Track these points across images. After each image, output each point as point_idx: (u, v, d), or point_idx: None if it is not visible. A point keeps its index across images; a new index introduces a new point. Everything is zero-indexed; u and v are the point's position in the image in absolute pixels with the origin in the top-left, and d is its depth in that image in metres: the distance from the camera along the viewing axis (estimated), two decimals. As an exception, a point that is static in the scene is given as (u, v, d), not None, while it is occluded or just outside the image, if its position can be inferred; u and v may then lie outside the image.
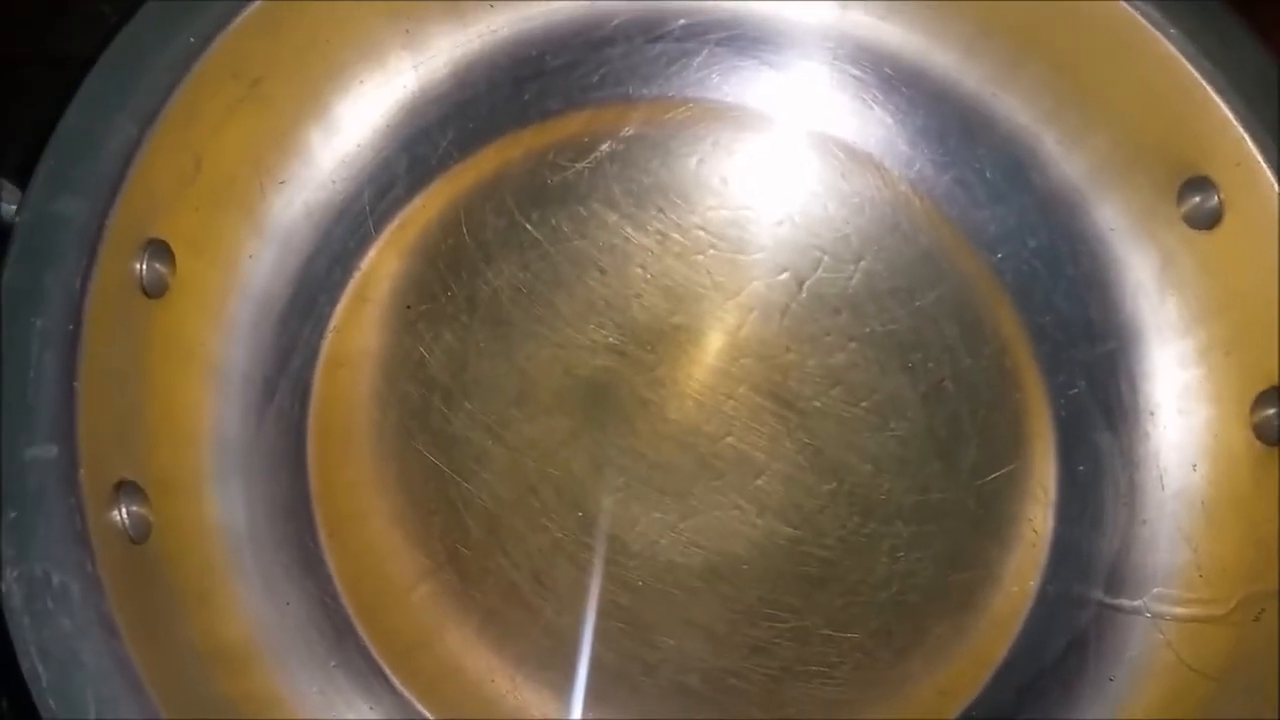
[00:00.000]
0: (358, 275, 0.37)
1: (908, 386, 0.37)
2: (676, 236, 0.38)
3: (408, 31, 0.36)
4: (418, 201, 0.37)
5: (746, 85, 0.39)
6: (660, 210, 0.38)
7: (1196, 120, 0.33)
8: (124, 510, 0.27)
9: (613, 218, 0.38)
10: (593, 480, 0.36)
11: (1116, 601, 0.34)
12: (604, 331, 0.37)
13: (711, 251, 0.38)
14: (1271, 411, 0.32)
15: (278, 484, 0.33)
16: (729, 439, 0.36)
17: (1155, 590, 0.33)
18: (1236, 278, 0.34)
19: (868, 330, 0.38)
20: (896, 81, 0.38)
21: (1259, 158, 0.32)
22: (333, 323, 0.36)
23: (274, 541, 0.33)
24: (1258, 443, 0.33)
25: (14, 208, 0.28)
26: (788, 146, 0.39)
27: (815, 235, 0.38)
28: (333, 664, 0.32)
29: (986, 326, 0.38)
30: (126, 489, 0.28)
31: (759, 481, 0.36)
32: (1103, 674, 0.33)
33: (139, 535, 0.28)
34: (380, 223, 0.37)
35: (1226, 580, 0.32)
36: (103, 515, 0.26)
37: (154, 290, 0.31)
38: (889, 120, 0.39)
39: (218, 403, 0.33)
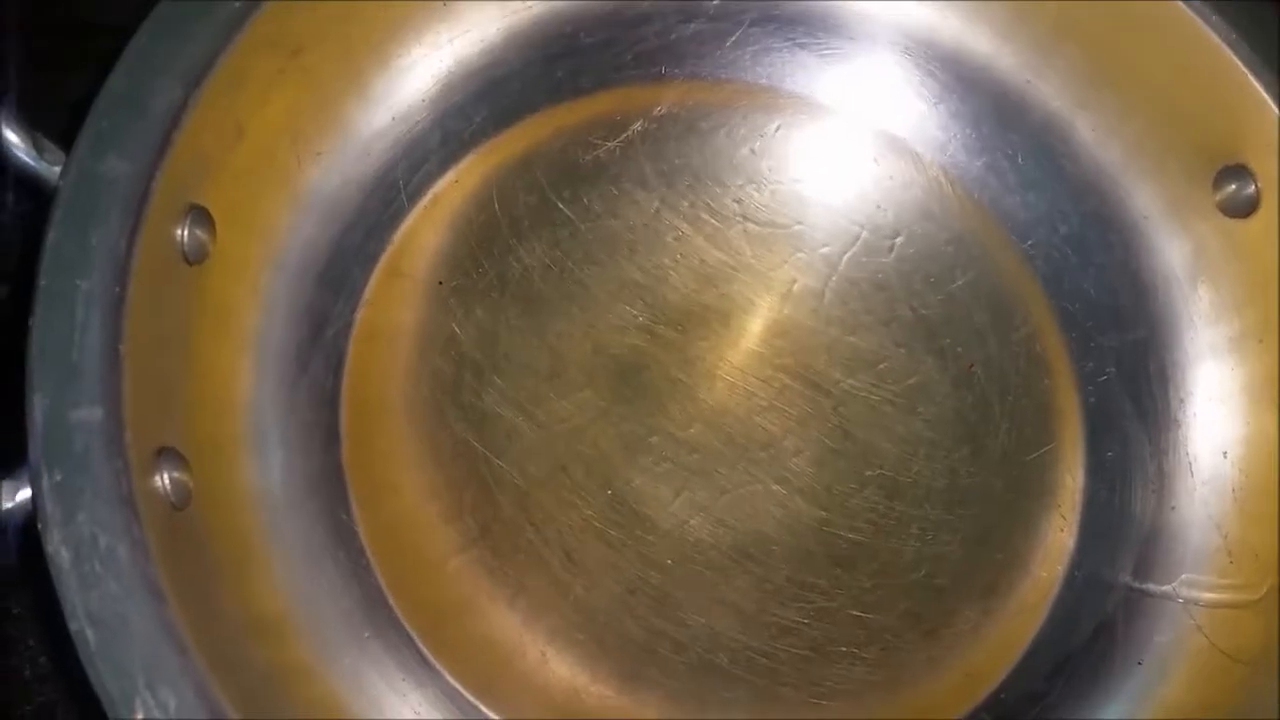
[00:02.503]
0: (391, 249, 0.36)
1: (937, 371, 0.37)
2: (707, 217, 0.38)
3: (445, 5, 0.36)
4: (450, 176, 0.37)
5: (779, 66, 0.39)
6: (691, 190, 0.38)
7: (1234, 107, 0.33)
8: (166, 476, 0.27)
9: (644, 197, 0.38)
10: (622, 459, 0.36)
11: (1145, 586, 0.34)
12: (634, 311, 0.37)
13: (742, 232, 0.38)
14: (1304, 399, 0.33)
15: (311, 455, 0.33)
16: (758, 420, 0.37)
17: (1185, 576, 0.34)
18: (1271, 265, 0.34)
19: (898, 314, 0.38)
20: (931, 65, 0.38)
21: (1297, 145, 0.32)
22: (366, 296, 0.36)
23: (308, 512, 0.33)
24: (1290, 430, 0.33)
25: (58, 169, 0.27)
26: (820, 129, 0.39)
27: (847, 218, 0.38)
28: (366, 634, 0.32)
29: (1016, 312, 0.38)
30: (167, 455, 0.28)
31: (788, 462, 0.36)
32: (1131, 658, 0.33)
33: (180, 501, 0.28)
34: (413, 197, 0.37)
35: (1258, 567, 0.32)
36: (146, 480, 0.26)
37: (194, 257, 0.30)
38: (922, 104, 0.39)
39: (253, 372, 0.33)
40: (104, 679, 0.23)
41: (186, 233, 0.30)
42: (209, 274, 0.31)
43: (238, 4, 0.30)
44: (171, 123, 0.28)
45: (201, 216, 0.31)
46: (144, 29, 0.29)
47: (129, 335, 0.27)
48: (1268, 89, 0.32)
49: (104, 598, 0.23)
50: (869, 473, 0.36)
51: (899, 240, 0.38)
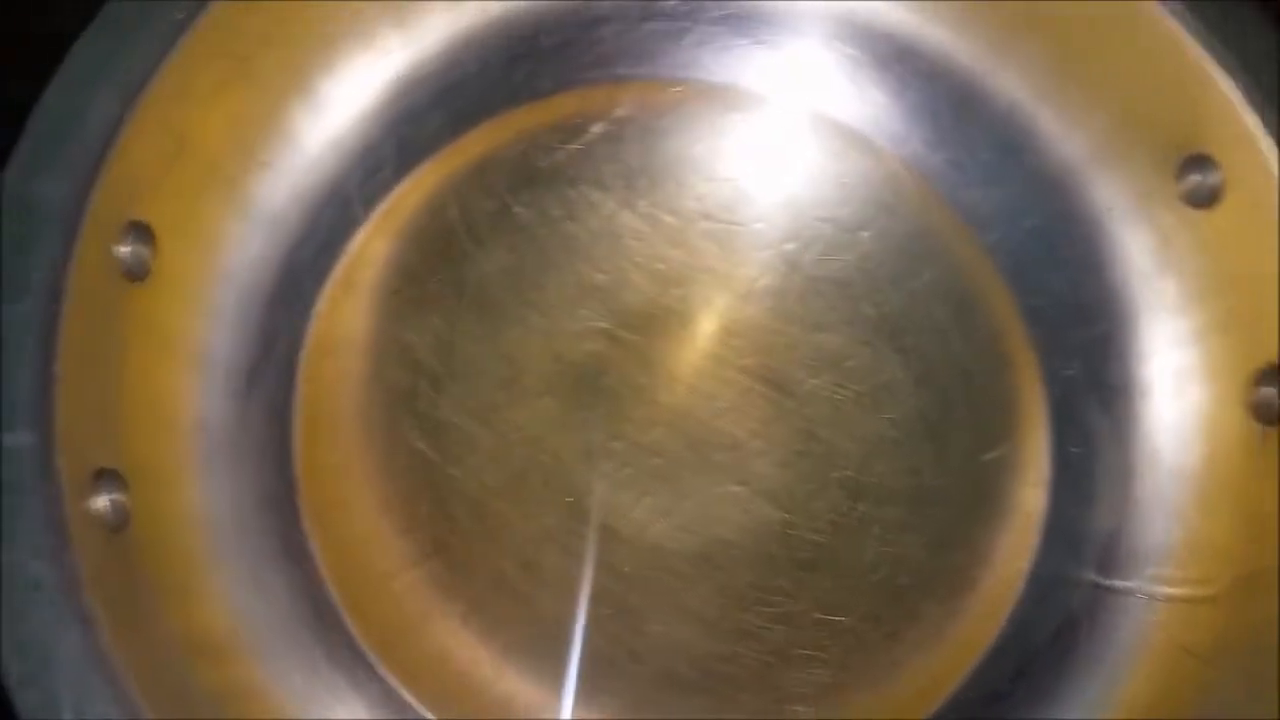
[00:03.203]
0: (344, 259, 0.36)
1: (901, 369, 0.37)
2: (667, 219, 0.38)
3: (399, 11, 0.36)
4: (406, 184, 0.37)
5: (738, 65, 0.39)
6: (651, 192, 0.38)
7: (1198, 96, 0.33)
8: (104, 499, 0.27)
9: (603, 199, 0.38)
10: (583, 466, 0.36)
11: (1109, 582, 0.34)
12: (594, 315, 0.37)
13: (703, 234, 0.38)
14: (1269, 390, 0.32)
15: (262, 472, 0.33)
16: (720, 423, 0.36)
17: (1148, 571, 0.33)
18: (1235, 256, 0.33)
19: (861, 312, 0.37)
20: (889, 59, 0.38)
21: (1261, 134, 0.31)
22: (318, 308, 0.36)
23: (258, 530, 0.32)
24: (1254, 422, 0.32)
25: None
26: (780, 127, 0.39)
27: (808, 216, 0.38)
28: (318, 653, 0.32)
29: (980, 309, 0.37)
30: (106, 477, 0.28)
31: (751, 465, 0.36)
32: (1095, 655, 0.33)
33: (119, 524, 0.27)
34: (367, 206, 0.37)
35: (1219, 560, 0.32)
36: (81, 504, 0.26)
37: (136, 274, 0.30)
38: (881, 99, 0.38)
39: (200, 389, 0.32)
40: (29, 709, 0.23)
41: (128, 250, 0.30)
42: (152, 291, 0.31)
43: (180, 15, 0.30)
44: (108, 138, 0.28)
45: (143, 233, 0.30)
46: (81, 40, 0.28)
47: (65, 357, 0.27)
48: (1231, 78, 0.32)
49: (31, 627, 0.23)
50: (832, 474, 0.36)
51: (860, 238, 0.38)
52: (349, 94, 0.36)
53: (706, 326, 0.37)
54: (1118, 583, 0.34)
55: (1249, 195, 0.32)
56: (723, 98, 0.39)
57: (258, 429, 0.33)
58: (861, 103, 0.38)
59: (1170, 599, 0.33)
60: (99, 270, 0.29)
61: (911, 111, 0.38)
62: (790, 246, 0.38)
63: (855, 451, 0.36)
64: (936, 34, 0.37)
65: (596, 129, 0.38)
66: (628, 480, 0.35)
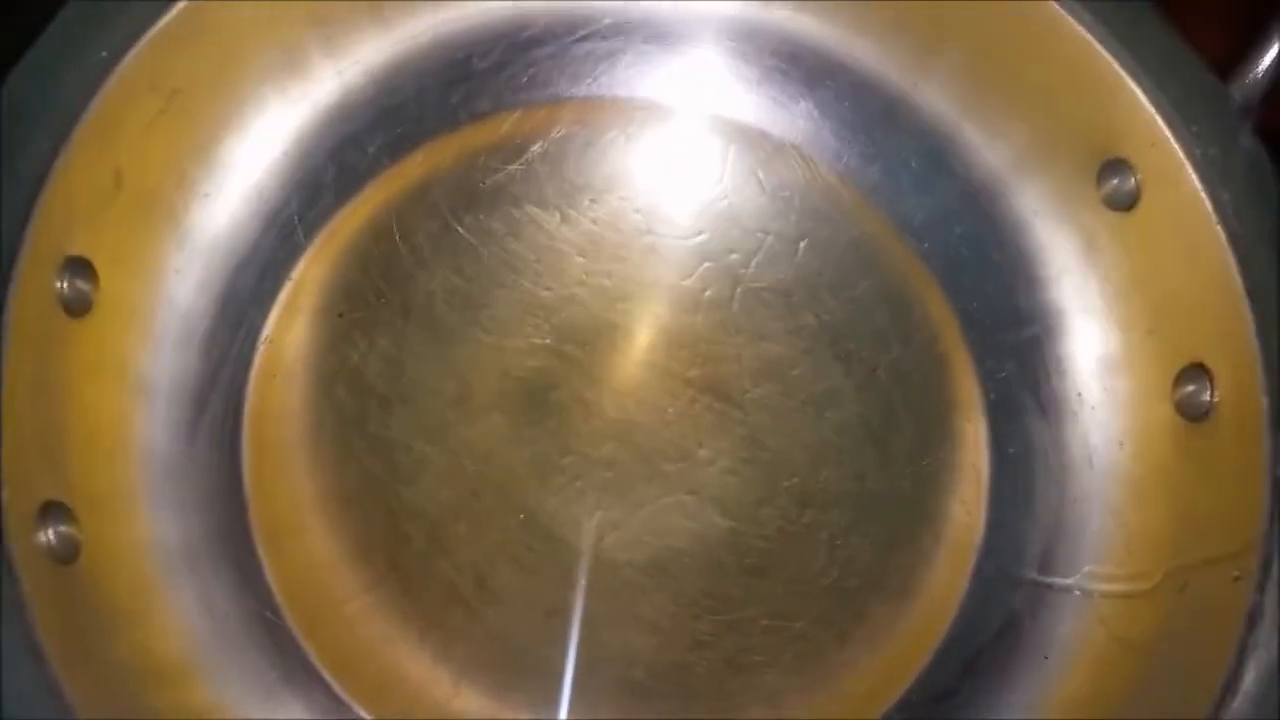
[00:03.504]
0: (288, 285, 0.36)
1: (842, 376, 0.37)
2: (610, 235, 0.38)
3: (329, 38, 0.36)
4: (348, 208, 0.37)
5: (673, 83, 0.39)
6: (593, 207, 0.39)
7: (1111, 103, 0.34)
8: (50, 531, 0.27)
9: (546, 217, 0.38)
10: (534, 481, 0.36)
11: (1049, 580, 0.35)
12: (540, 332, 0.37)
13: (645, 249, 0.38)
14: (1192, 388, 0.33)
15: (212, 499, 0.33)
16: (668, 434, 0.37)
17: (1086, 568, 0.34)
18: (1156, 257, 0.34)
19: (801, 321, 0.38)
20: (820, 75, 0.39)
21: (1170, 137, 0.32)
22: (264, 333, 0.36)
23: (210, 557, 0.32)
24: (1180, 418, 0.33)
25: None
26: (717, 143, 0.39)
27: (747, 230, 0.39)
28: (273, 677, 0.32)
29: (917, 314, 0.38)
30: (53, 510, 0.28)
31: (700, 475, 0.36)
32: (1038, 651, 0.34)
33: (67, 556, 0.27)
34: (310, 231, 0.37)
35: (1153, 554, 0.33)
36: (28, 537, 0.26)
37: (76, 308, 0.30)
38: (815, 113, 0.39)
39: (147, 419, 0.32)
40: (-23, 746, 0.23)
41: (66, 285, 0.30)
42: (94, 324, 0.31)
43: (104, 52, 0.30)
44: (41, 177, 0.28)
45: (81, 267, 0.30)
46: (11, 79, 0.29)
47: (6, 392, 0.27)
48: (1140, 85, 0.33)
49: (-22, 664, 0.23)
50: (779, 481, 0.36)
51: (799, 249, 0.39)
52: (285, 123, 0.36)
53: (652, 339, 0.38)
54: (1057, 580, 0.35)
55: (1165, 197, 0.33)
56: (660, 116, 0.39)
57: (206, 456, 0.33)
58: (795, 118, 0.39)
59: (1108, 594, 0.34)
60: (39, 305, 0.29)
61: (844, 125, 0.39)
62: (732, 260, 0.38)
63: (801, 458, 0.37)
64: (863, 50, 0.38)
65: (537, 148, 0.39)
66: (579, 494, 0.36)
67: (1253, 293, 0.31)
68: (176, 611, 0.31)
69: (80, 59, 0.30)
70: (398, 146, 0.38)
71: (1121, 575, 0.33)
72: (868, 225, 0.39)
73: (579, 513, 0.36)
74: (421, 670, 0.34)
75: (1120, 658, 0.32)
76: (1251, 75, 0.33)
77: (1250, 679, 0.27)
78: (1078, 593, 0.34)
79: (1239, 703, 0.27)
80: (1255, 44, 0.32)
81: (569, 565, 0.35)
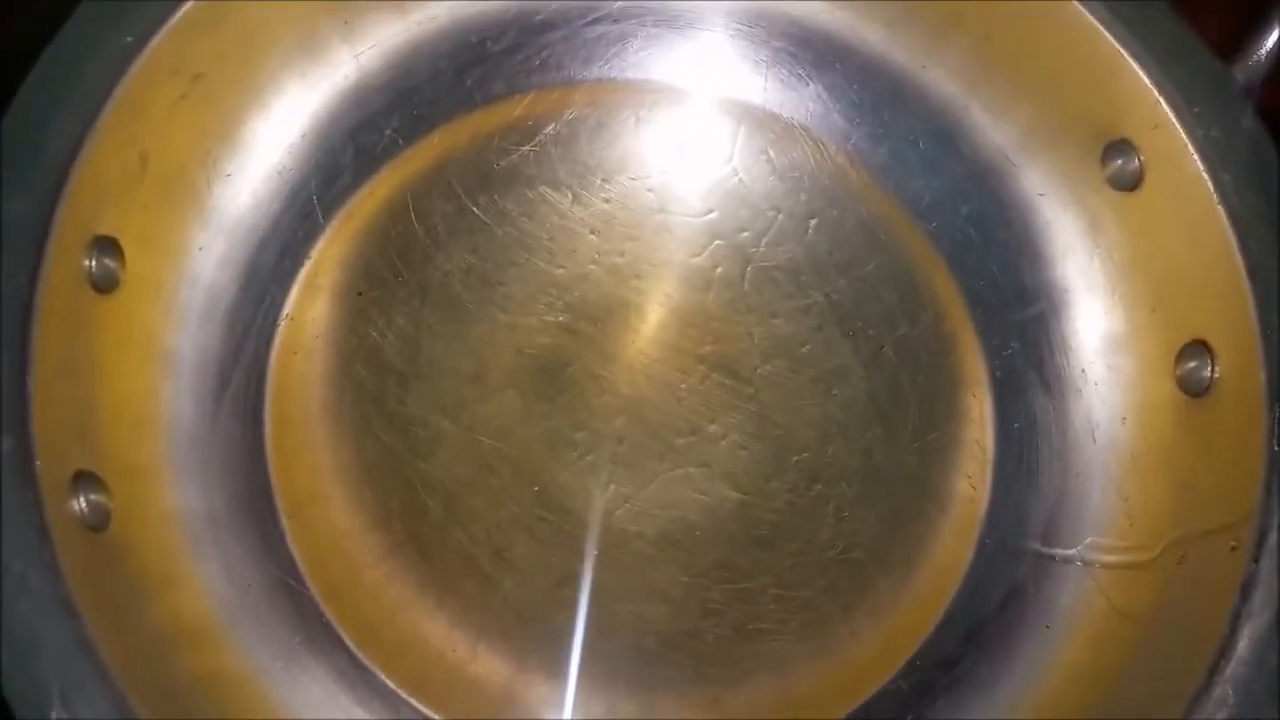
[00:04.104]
0: (308, 263, 0.37)
1: (849, 354, 0.38)
2: (622, 214, 0.39)
3: (346, 23, 0.37)
4: (365, 189, 0.38)
5: (684, 66, 0.40)
6: (605, 190, 0.39)
7: (1115, 85, 0.34)
8: (82, 500, 0.28)
9: (559, 199, 0.39)
10: (548, 456, 0.37)
11: (1052, 552, 0.35)
12: (554, 310, 0.38)
13: (656, 229, 0.39)
14: (1193, 364, 0.34)
15: (236, 471, 0.34)
16: (680, 410, 0.38)
17: (1088, 540, 0.35)
18: (1159, 236, 0.35)
19: (810, 300, 0.39)
20: (829, 57, 0.39)
21: (1173, 118, 0.33)
22: (285, 311, 0.37)
23: (235, 526, 0.33)
24: (1181, 394, 0.34)
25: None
26: (727, 125, 0.40)
27: (757, 210, 0.39)
28: (297, 640, 0.33)
29: (924, 293, 0.39)
30: (84, 479, 0.29)
31: (710, 450, 0.37)
32: (1040, 622, 0.34)
33: (98, 523, 0.28)
34: (328, 211, 0.38)
35: (1153, 527, 0.33)
36: (61, 505, 0.27)
37: (105, 286, 0.31)
38: (824, 95, 0.40)
39: (173, 393, 0.33)
40: (18, 698, 0.24)
41: (94, 263, 0.31)
42: (121, 301, 0.32)
43: (130, 37, 0.31)
44: (69, 159, 0.29)
45: (109, 246, 0.31)
46: (38, 66, 0.29)
47: (38, 367, 0.28)
48: (1143, 67, 0.33)
49: (18, 620, 0.24)
50: (788, 456, 0.37)
51: (808, 229, 0.39)
52: (304, 105, 0.37)
53: (663, 317, 0.39)
54: (1060, 552, 0.35)
55: (1168, 177, 0.34)
56: (672, 98, 0.40)
57: (230, 429, 0.34)
58: (805, 100, 0.40)
59: (1109, 565, 0.34)
60: (69, 283, 0.30)
61: (853, 107, 0.39)
62: (742, 240, 0.39)
63: (809, 434, 0.37)
64: (872, 33, 0.38)
65: (550, 130, 0.39)
66: (592, 468, 0.37)
67: (1253, 271, 0.31)
68: (203, 578, 0.32)
69: (105, 45, 0.31)
70: (413, 128, 0.39)
71: (1122, 547, 0.34)
72: (876, 205, 0.39)
73: (592, 486, 0.37)
74: (439, 636, 0.35)
75: (1120, 627, 0.33)
76: (1254, 57, 0.33)
77: (1244, 646, 0.28)
78: (1079, 564, 0.35)
79: (1232, 669, 0.28)
80: (1257, 27, 0.33)
81: (582, 537, 0.36)
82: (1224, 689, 0.28)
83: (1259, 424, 0.30)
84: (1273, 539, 0.29)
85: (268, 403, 0.36)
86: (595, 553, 0.36)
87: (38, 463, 0.26)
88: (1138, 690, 0.30)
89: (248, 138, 0.36)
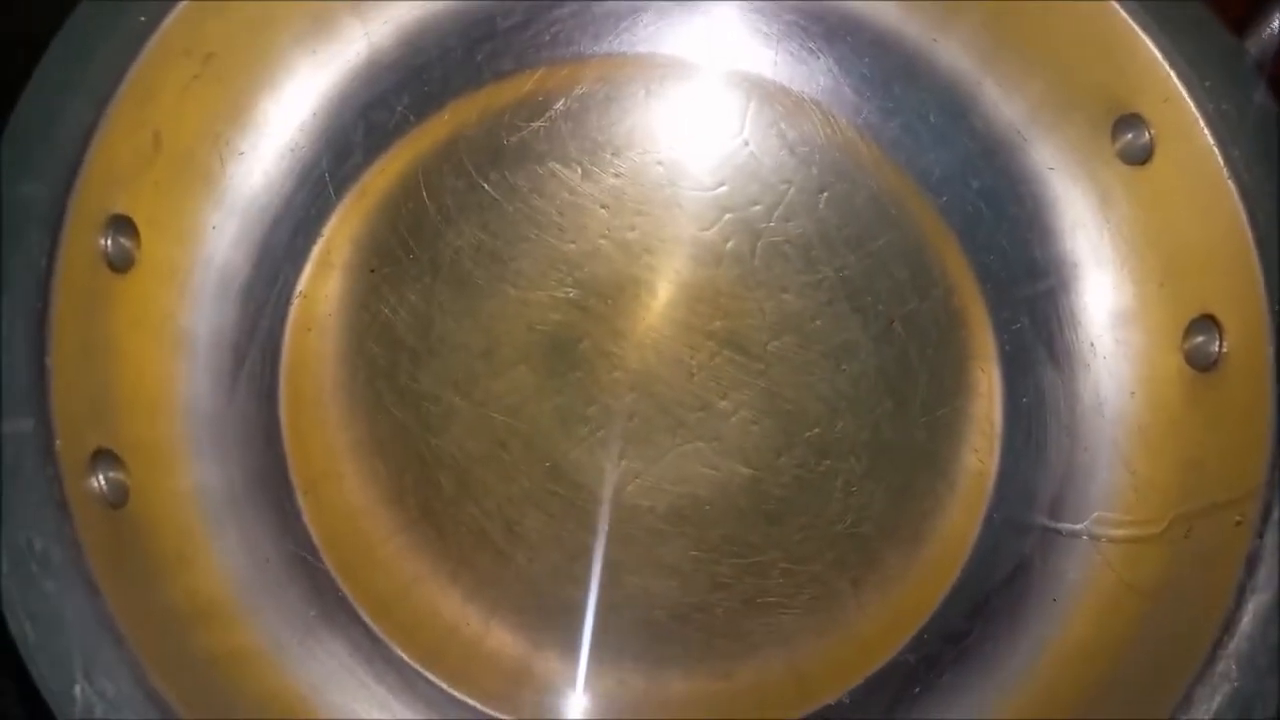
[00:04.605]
0: (320, 241, 0.38)
1: (859, 329, 0.38)
2: (632, 189, 0.39)
3: (354, 3, 0.37)
4: (376, 166, 0.38)
5: (694, 40, 0.40)
6: (615, 166, 0.39)
7: (1126, 59, 0.34)
8: (101, 477, 0.29)
9: (569, 175, 0.39)
10: (559, 432, 0.37)
11: (1059, 526, 0.36)
12: (565, 287, 0.38)
13: (666, 203, 0.39)
14: (1202, 339, 0.34)
15: (252, 448, 0.35)
16: (690, 386, 0.38)
17: (1095, 514, 0.35)
18: (1168, 211, 0.35)
19: (820, 275, 0.39)
20: (840, 31, 0.39)
21: (1184, 93, 0.33)
22: (298, 288, 0.37)
23: (251, 503, 0.34)
24: (1189, 368, 0.34)
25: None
26: (737, 99, 0.40)
27: (767, 184, 0.39)
28: (313, 615, 0.33)
29: (934, 268, 0.39)
30: (103, 457, 0.29)
31: (720, 425, 0.37)
32: (1047, 595, 0.35)
33: (117, 501, 0.29)
34: (340, 189, 0.38)
35: (1160, 501, 0.33)
36: (81, 483, 0.28)
37: (120, 265, 0.32)
38: (835, 69, 0.40)
39: (189, 371, 0.34)
40: (43, 671, 0.24)
41: (110, 242, 0.31)
42: (136, 280, 0.32)
43: (143, 17, 0.31)
44: (84, 140, 0.29)
45: (124, 226, 0.32)
46: (51, 50, 0.30)
47: (56, 346, 0.28)
48: (1154, 41, 0.33)
49: (41, 597, 0.25)
50: (797, 431, 0.37)
51: (819, 203, 0.39)
52: (315, 83, 0.37)
53: (673, 294, 0.39)
54: (1067, 526, 0.36)
55: (1178, 151, 0.34)
56: (682, 73, 0.40)
57: (245, 407, 0.35)
58: (816, 74, 0.40)
59: (1116, 540, 0.35)
60: (85, 263, 0.30)
61: (863, 81, 0.39)
62: (752, 214, 0.39)
63: (819, 409, 0.38)
64: (884, 6, 0.38)
65: (560, 105, 0.39)
66: (603, 443, 0.37)
67: (1262, 246, 0.31)
68: (220, 554, 0.32)
69: (118, 26, 0.31)
70: (424, 105, 0.39)
71: (1129, 521, 0.34)
72: (887, 180, 0.39)
73: (603, 461, 0.37)
74: (453, 610, 0.35)
75: (1126, 601, 0.33)
76: (1267, 31, 0.33)
77: (1248, 621, 0.28)
78: (1086, 538, 0.35)
79: (1236, 643, 0.28)
80: (1271, 1, 0.33)
81: (593, 512, 0.37)
82: (1227, 664, 0.28)
83: (1266, 399, 0.30)
84: (1277, 514, 0.29)
85: (282, 380, 0.36)
86: (606, 527, 0.37)
87: (57, 441, 0.27)
88: (1143, 663, 0.31)
89: (260, 117, 0.36)
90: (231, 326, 0.35)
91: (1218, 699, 0.28)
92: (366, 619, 0.34)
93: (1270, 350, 0.31)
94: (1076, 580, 0.34)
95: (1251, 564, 0.29)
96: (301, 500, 0.35)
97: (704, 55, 0.40)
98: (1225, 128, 0.32)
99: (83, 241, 0.30)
